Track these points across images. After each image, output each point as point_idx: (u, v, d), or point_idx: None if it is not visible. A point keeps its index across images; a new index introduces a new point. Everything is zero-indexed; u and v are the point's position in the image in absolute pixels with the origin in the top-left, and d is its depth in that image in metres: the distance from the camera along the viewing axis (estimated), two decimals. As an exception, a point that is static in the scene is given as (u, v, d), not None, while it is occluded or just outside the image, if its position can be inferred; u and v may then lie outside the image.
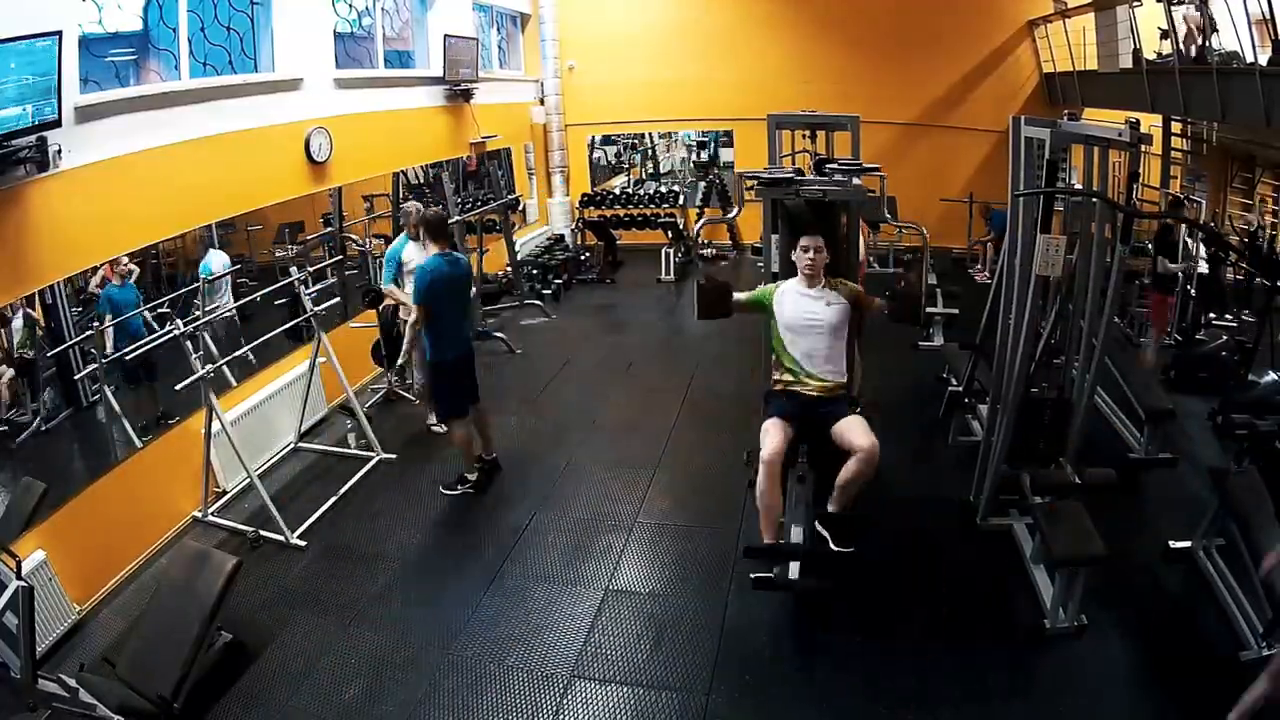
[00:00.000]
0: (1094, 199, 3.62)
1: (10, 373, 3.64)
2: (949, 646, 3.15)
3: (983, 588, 3.52)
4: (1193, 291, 6.18)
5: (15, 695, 2.41)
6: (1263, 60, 4.93)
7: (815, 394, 3.44)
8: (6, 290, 3.46)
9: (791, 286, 3.57)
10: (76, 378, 3.99)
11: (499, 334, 6.95)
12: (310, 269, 5.07)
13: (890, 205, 7.93)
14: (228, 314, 4.95)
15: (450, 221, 6.75)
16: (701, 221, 7.14)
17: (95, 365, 3.96)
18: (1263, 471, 3.40)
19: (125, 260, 4.17)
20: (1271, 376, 4.92)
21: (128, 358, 4.08)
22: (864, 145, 6.36)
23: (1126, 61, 7.12)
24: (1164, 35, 6.29)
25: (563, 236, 10.20)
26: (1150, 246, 6.38)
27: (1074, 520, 3.20)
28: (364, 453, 4.91)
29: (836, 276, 3.65)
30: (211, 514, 4.32)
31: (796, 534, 3.34)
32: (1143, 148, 3.23)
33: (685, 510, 4.27)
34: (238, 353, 4.59)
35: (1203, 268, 6.36)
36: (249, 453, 4.28)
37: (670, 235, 9.27)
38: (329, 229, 6.16)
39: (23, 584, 2.41)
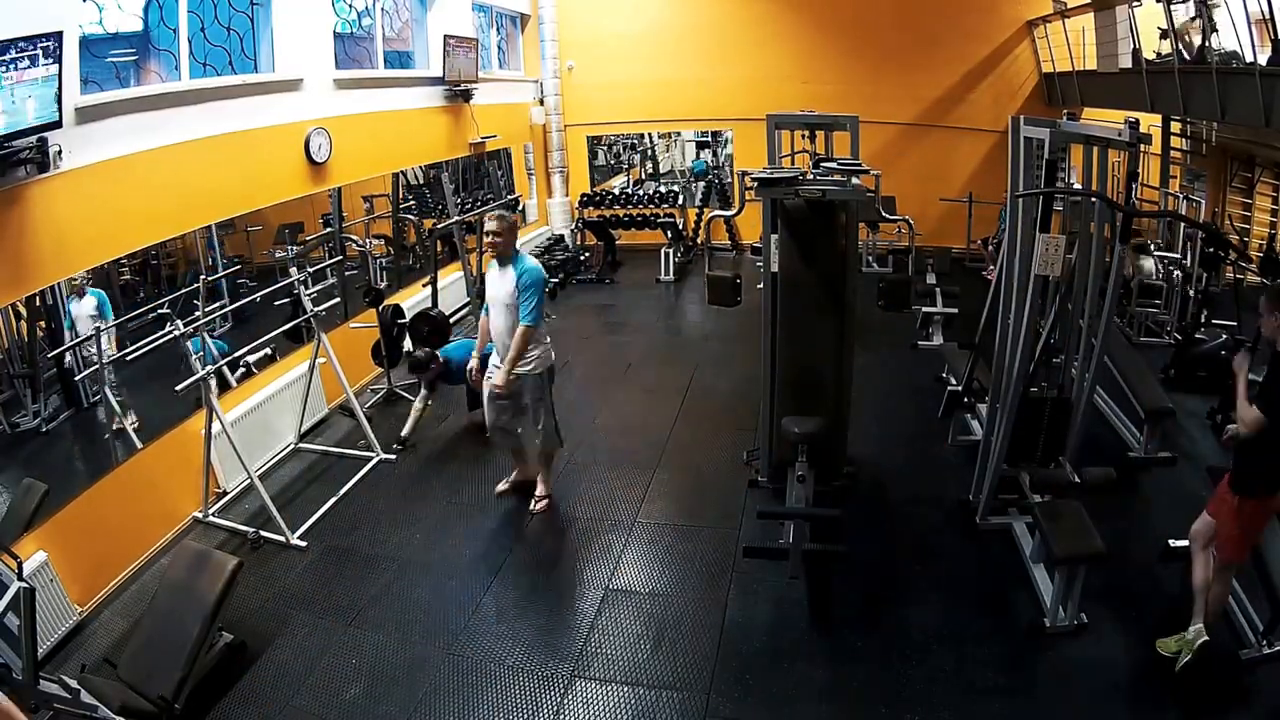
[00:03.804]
0: (1094, 199, 3.63)
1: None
2: (949, 645, 3.16)
3: (982, 587, 3.53)
4: (1192, 292, 6.18)
5: (17, 696, 2.42)
6: (1262, 60, 4.93)
7: None
8: (7, 290, 3.46)
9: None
10: (77, 379, 3.99)
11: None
12: (310, 269, 5.08)
13: (888, 204, 7.94)
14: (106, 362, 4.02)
15: (449, 222, 6.80)
16: (711, 215, 7.39)
17: (95, 366, 3.96)
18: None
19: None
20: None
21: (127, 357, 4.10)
22: (863, 145, 6.39)
23: (1126, 61, 7.13)
24: (1163, 35, 6.29)
25: (562, 237, 10.21)
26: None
27: (1073, 519, 3.21)
28: (364, 453, 4.91)
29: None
30: (212, 514, 4.32)
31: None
32: (1142, 147, 3.23)
33: (685, 510, 4.27)
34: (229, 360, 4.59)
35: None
36: (249, 453, 4.28)
37: (669, 235, 9.27)
38: (329, 230, 6.16)
39: (24, 585, 2.41)
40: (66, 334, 3.93)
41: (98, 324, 4.00)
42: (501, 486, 4.44)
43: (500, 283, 3.86)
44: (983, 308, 4.56)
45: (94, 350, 3.99)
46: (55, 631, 3.40)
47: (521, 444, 4.28)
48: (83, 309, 4.00)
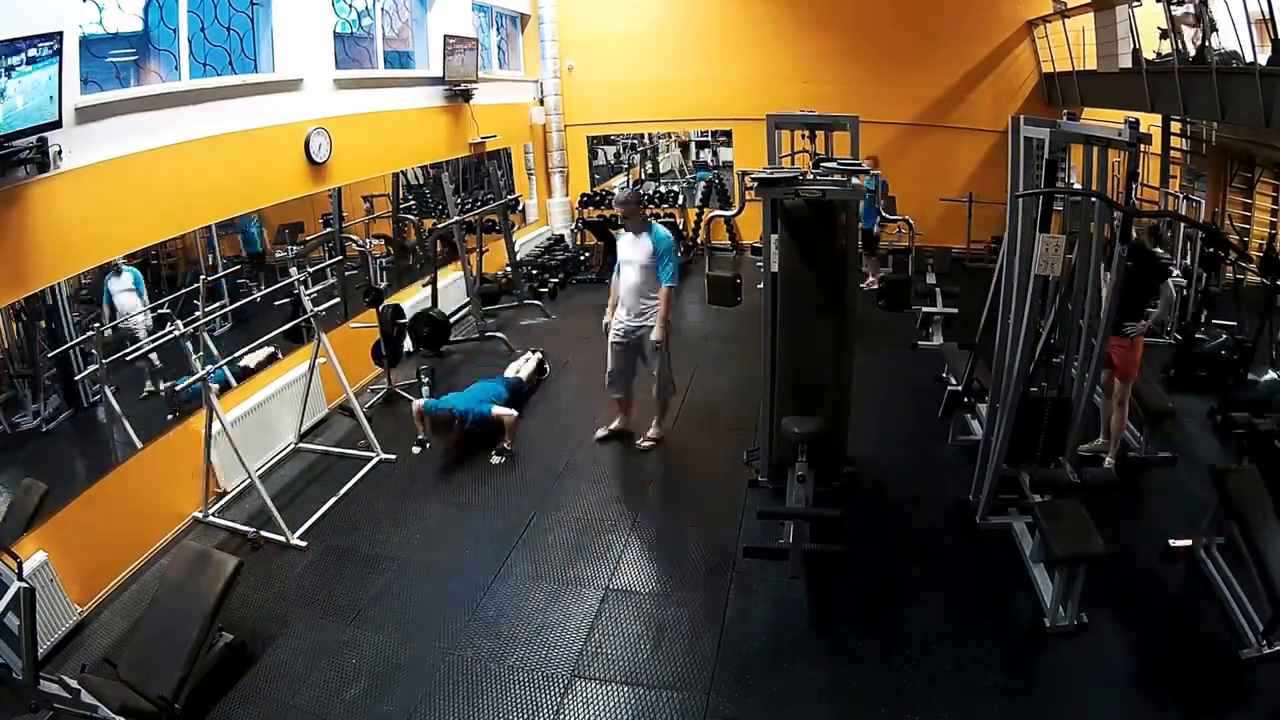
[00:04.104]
0: (1094, 199, 3.63)
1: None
2: (949, 645, 3.16)
3: (983, 587, 3.53)
4: (1192, 292, 6.18)
5: (17, 696, 2.42)
6: (1262, 60, 4.93)
7: None
8: (7, 290, 3.46)
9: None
10: (77, 378, 3.99)
11: (499, 334, 6.96)
12: (310, 269, 5.08)
13: (888, 204, 7.94)
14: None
15: (449, 222, 6.79)
16: (711, 215, 7.40)
17: (95, 366, 3.96)
18: (1262, 470, 3.41)
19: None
20: (1271, 375, 4.94)
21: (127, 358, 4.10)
22: (863, 145, 6.38)
23: (1126, 61, 7.13)
24: (1163, 35, 6.29)
25: (562, 237, 10.20)
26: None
27: (1073, 519, 3.21)
28: (364, 453, 4.91)
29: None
30: (212, 514, 4.32)
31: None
32: (1142, 147, 3.23)
33: (685, 510, 4.27)
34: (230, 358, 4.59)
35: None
36: (249, 453, 4.28)
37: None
38: (329, 229, 6.16)
39: (24, 585, 2.41)
40: (74, 331, 3.93)
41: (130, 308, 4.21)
42: (601, 433, 4.94)
43: (634, 248, 4.61)
44: (983, 308, 4.57)
45: (132, 325, 4.31)
46: (55, 631, 3.39)
47: (630, 395, 4.85)
48: (121, 285, 4.24)
